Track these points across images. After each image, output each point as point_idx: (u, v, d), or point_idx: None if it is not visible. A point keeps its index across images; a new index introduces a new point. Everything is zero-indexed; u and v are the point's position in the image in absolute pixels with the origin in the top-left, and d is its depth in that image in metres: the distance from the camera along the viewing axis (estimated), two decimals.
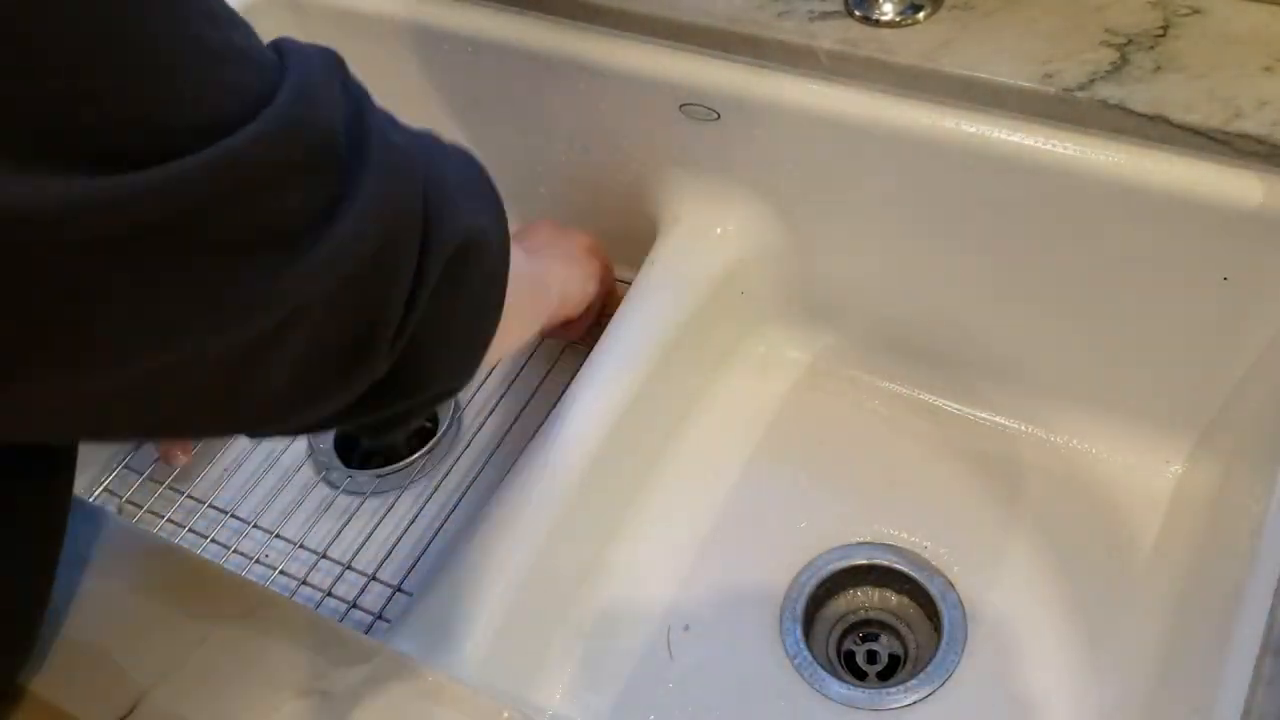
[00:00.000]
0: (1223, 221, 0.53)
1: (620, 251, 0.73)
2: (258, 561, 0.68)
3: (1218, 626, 0.48)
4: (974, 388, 0.69)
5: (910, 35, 0.58)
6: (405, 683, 0.43)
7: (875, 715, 0.58)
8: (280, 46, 0.33)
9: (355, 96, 0.34)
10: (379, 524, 0.69)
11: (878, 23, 0.58)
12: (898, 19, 0.58)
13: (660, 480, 0.68)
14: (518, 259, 0.43)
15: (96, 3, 0.25)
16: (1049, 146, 0.55)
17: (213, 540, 0.69)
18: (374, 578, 0.66)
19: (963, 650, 0.59)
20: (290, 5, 0.75)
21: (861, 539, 0.64)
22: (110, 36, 0.26)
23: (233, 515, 0.71)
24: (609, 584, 0.64)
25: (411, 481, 0.72)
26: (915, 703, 0.58)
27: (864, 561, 0.64)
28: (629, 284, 0.69)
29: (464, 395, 0.76)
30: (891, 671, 0.61)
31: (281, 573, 0.67)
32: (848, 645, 0.63)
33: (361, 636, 0.45)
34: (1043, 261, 0.60)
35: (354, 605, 0.64)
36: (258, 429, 0.38)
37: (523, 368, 0.76)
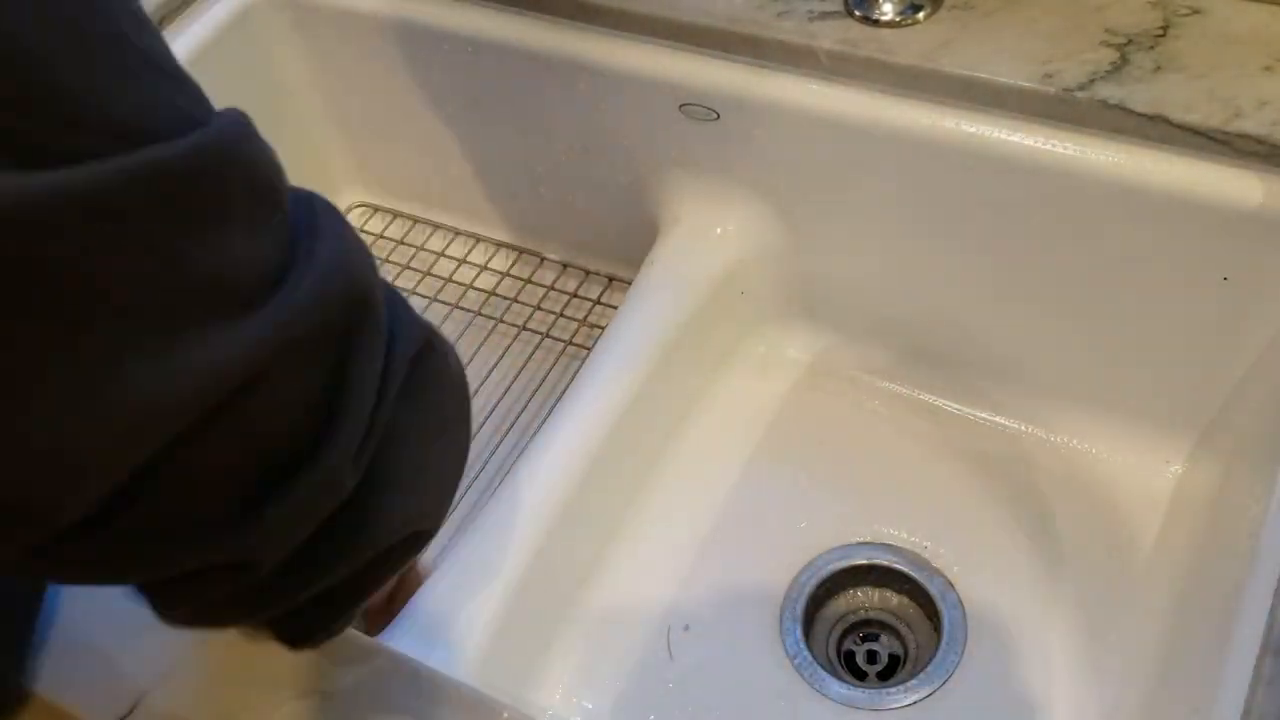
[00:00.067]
0: (1223, 221, 0.53)
1: (620, 251, 0.73)
2: None
3: (1218, 626, 0.48)
4: (974, 388, 0.69)
5: (910, 35, 0.58)
6: (405, 683, 0.43)
7: (875, 715, 0.58)
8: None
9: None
10: None
11: (878, 23, 0.58)
12: (898, 19, 0.58)
13: (660, 480, 0.68)
14: None
15: None
16: (1049, 146, 0.55)
17: None
18: None
19: (963, 650, 0.59)
20: (290, 5, 0.75)
21: (861, 539, 0.64)
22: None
23: None
24: (609, 584, 0.64)
25: None
26: (915, 703, 0.58)
27: (864, 561, 0.64)
28: (629, 284, 0.69)
29: None
30: (891, 671, 0.61)
31: None
32: (848, 645, 0.63)
33: (361, 636, 0.45)
34: (1043, 261, 0.60)
35: None
36: (211, 557, 0.29)
37: (523, 368, 0.76)
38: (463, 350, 0.76)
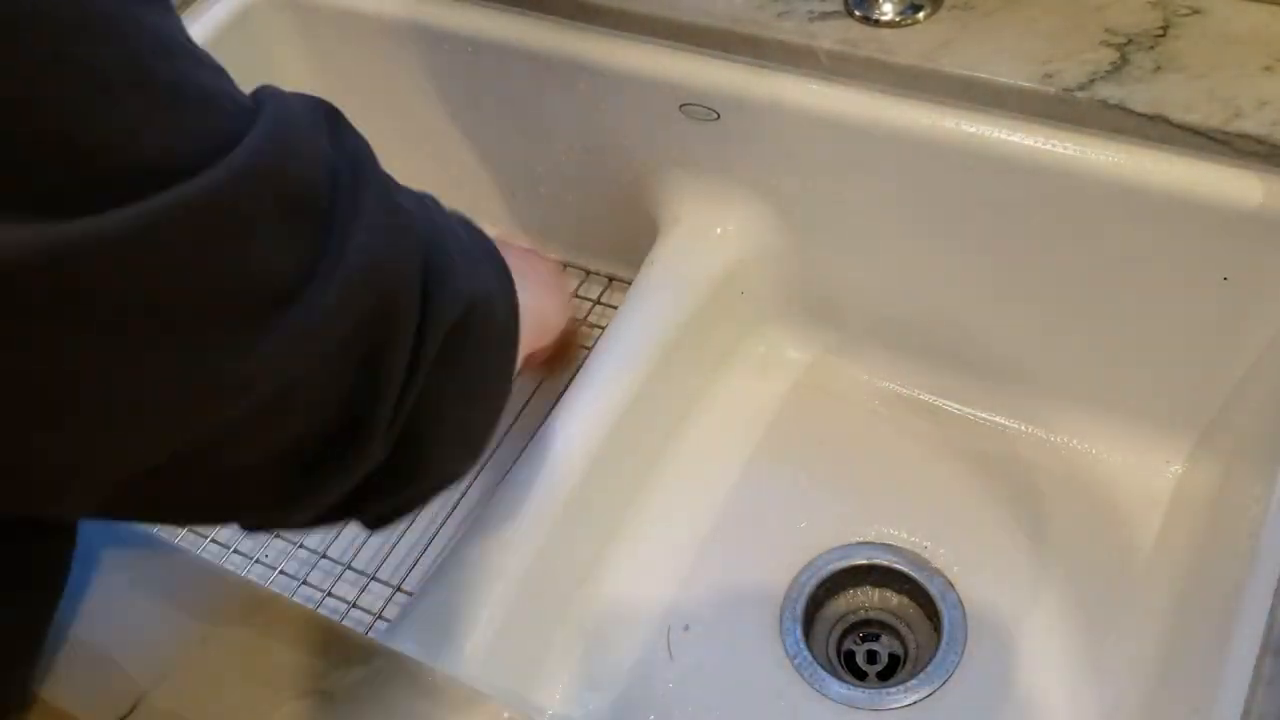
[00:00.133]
0: (1223, 221, 0.53)
1: (620, 251, 0.73)
2: (258, 561, 0.68)
3: (1218, 626, 0.48)
4: (974, 388, 0.69)
5: (910, 35, 0.58)
6: (405, 683, 0.43)
7: (875, 715, 0.58)
8: (260, 94, 0.29)
9: (350, 151, 0.31)
10: None
11: (878, 23, 0.58)
12: (898, 19, 0.58)
13: (660, 480, 0.68)
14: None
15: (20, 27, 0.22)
16: (1049, 146, 0.55)
17: (213, 540, 0.69)
18: (374, 578, 0.66)
19: (963, 650, 0.59)
20: (290, 5, 0.75)
21: (861, 539, 0.64)
22: (35, 56, 0.22)
23: None
24: (609, 584, 0.64)
25: None
26: (915, 703, 0.58)
27: (864, 561, 0.64)
28: (629, 284, 0.69)
29: None
30: (891, 671, 0.61)
31: (282, 573, 0.67)
32: (848, 645, 0.63)
33: (361, 636, 0.45)
34: (1043, 261, 0.60)
35: (354, 605, 0.64)
36: (250, 523, 0.34)
37: (523, 367, 0.76)
38: None
